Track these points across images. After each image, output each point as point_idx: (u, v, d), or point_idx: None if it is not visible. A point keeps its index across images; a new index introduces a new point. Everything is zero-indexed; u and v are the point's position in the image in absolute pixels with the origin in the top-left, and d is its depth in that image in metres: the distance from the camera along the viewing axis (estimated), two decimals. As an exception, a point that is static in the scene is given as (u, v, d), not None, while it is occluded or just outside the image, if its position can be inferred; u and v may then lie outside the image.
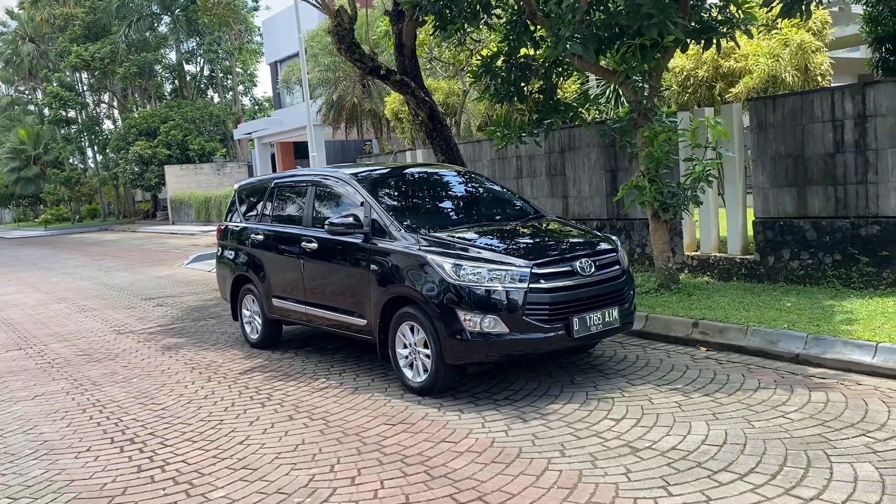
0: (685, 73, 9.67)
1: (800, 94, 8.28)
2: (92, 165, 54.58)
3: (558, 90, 9.75)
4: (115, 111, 53.16)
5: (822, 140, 8.04)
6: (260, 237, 7.92)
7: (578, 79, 11.36)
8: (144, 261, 20.41)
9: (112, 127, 52.67)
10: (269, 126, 34.34)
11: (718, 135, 8.03)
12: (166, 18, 46.45)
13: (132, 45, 44.26)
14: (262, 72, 71.81)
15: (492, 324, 5.52)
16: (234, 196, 8.84)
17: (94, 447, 5.41)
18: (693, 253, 9.61)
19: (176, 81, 50.73)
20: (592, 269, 5.83)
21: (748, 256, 8.95)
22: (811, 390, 5.42)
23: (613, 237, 6.57)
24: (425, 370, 5.93)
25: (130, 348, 8.75)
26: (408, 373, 6.11)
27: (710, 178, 8.01)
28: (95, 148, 52.19)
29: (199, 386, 6.86)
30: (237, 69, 49.49)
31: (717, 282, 9.06)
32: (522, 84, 9.48)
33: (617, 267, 6.09)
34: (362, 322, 6.51)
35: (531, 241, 6.33)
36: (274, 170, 35.70)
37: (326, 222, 6.58)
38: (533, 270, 5.58)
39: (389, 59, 12.97)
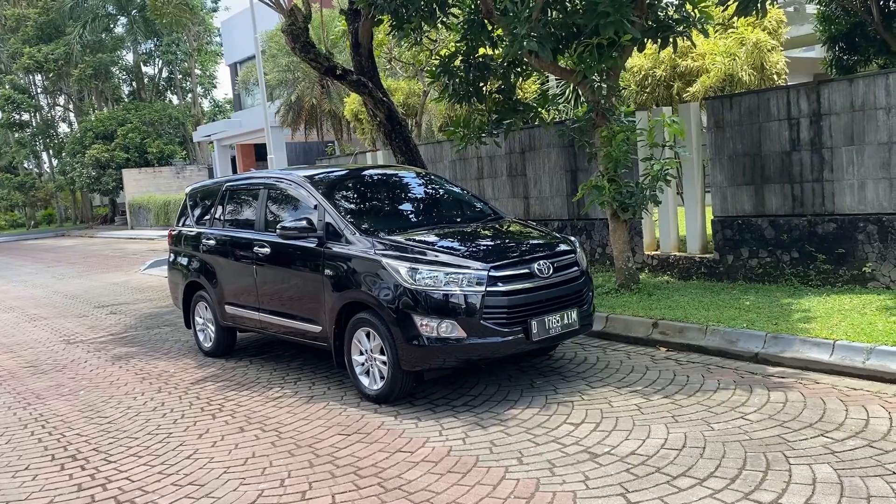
0: (643, 73, 9.65)
1: (756, 92, 8.30)
2: (47, 170, 53.37)
3: (518, 90, 9.66)
4: (71, 114, 52.04)
5: (779, 138, 8.06)
6: (212, 242, 7.69)
7: (538, 79, 11.31)
8: (100, 267, 19.93)
9: (68, 130, 51.54)
10: (228, 128, 33.83)
11: (675, 133, 8.02)
12: (122, 19, 45.54)
13: (87, 46, 43.26)
14: (222, 73, 70.94)
15: (449, 328, 5.39)
16: (186, 200, 8.60)
17: (34, 465, 5.16)
18: (653, 252, 9.60)
19: (133, 83, 49.81)
20: (551, 271, 5.73)
21: (707, 255, 8.95)
22: (770, 390, 5.38)
23: (572, 238, 6.48)
24: (382, 377, 5.77)
25: (79, 359, 8.46)
26: (364, 380, 5.95)
27: (669, 178, 7.98)
28: (51, 152, 51.04)
29: (149, 397, 6.62)
30: (196, 71, 48.76)
31: (678, 281, 9.05)
32: (481, 84, 9.38)
33: (575, 268, 6.00)
34: (317, 329, 6.34)
35: (489, 243, 6.22)
36: (234, 172, 35.19)
37: (278, 226, 6.39)
38: (490, 273, 5.47)
39: (348, 59, 12.79)
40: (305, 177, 6.86)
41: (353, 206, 6.71)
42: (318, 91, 21.78)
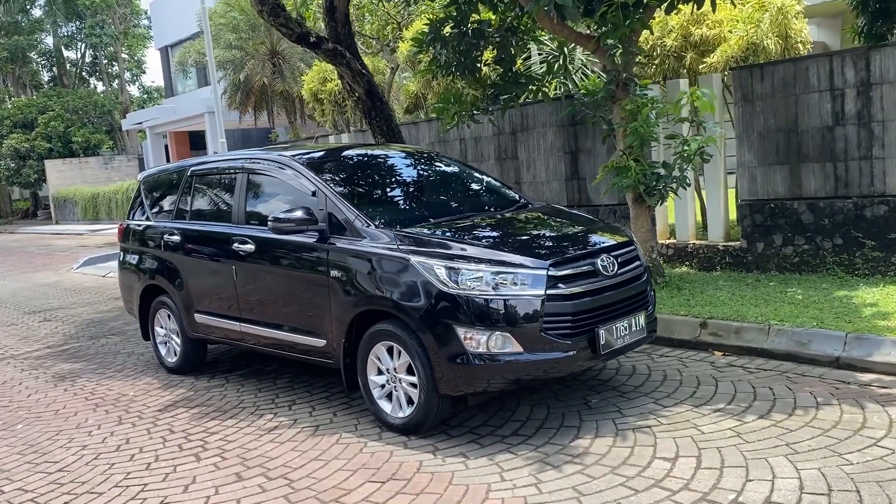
0: (651, 43, 8.74)
1: (792, 61, 7.44)
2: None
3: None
4: (-14, 102, 48.53)
5: (820, 112, 7.22)
6: (176, 238, 6.41)
7: (522, 53, 10.29)
8: (26, 266, 18.06)
9: (-18, 119, 48.04)
10: (161, 115, 31.74)
11: (705, 109, 7.11)
12: (41, 0, 42.58)
13: (2, 28, 40.31)
14: (151, 58, 67.76)
15: (500, 342, 4.32)
16: (140, 189, 7.26)
17: (-36, 541, 3.88)
18: (667, 241, 8.70)
19: (54, 69, 46.72)
20: (616, 268, 4.70)
21: (733, 243, 8.08)
22: (884, 406, 4.49)
23: (623, 227, 5.48)
24: (410, 402, 4.66)
25: (12, 380, 7.06)
26: (385, 406, 4.82)
27: (707, 157, 7.06)
28: (-36, 142, 47.49)
29: (108, 431, 5.35)
30: (123, 55, 46.04)
31: (699, 272, 8.17)
32: (476, 54, 8.29)
33: (638, 263, 5.00)
34: (320, 343, 5.17)
35: (537, 235, 5.14)
36: (168, 161, 33.13)
37: (270, 218, 5.18)
38: (550, 272, 4.40)
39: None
40: (294, 157, 5.66)
41: (361, 192, 5.54)
42: (269, 70, 20.19)
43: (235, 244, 5.72)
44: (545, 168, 9.67)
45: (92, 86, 46.89)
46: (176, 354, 6.68)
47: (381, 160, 6.12)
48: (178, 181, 6.67)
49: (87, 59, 46.76)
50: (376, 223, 4.93)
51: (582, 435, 4.46)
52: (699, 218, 8.94)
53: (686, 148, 6.98)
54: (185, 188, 6.55)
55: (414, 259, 4.53)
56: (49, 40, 45.57)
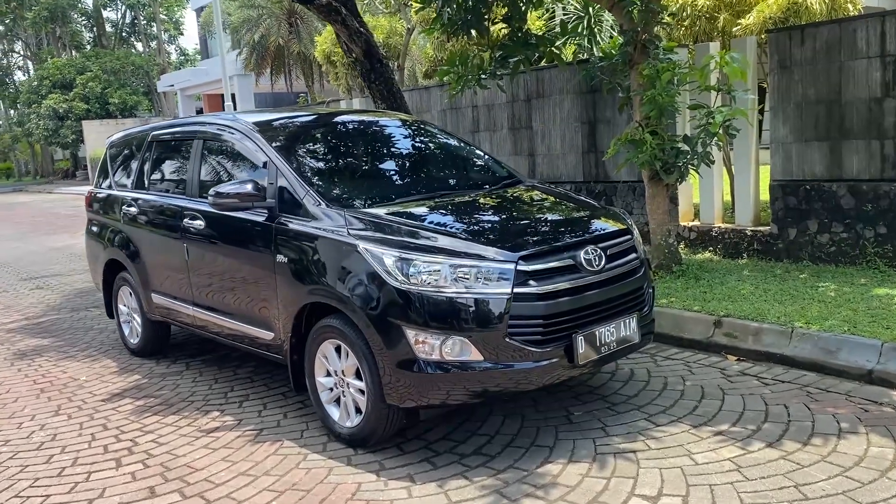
0: (680, 2, 7.86)
1: (837, 22, 6.51)
2: (2, 122, 50.42)
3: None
4: (30, 62, 48.93)
5: (867, 81, 6.31)
6: (133, 210, 5.85)
7: (544, 13, 9.45)
8: (46, 227, 17.93)
9: (24, 78, 48.58)
10: (194, 77, 31.51)
11: (735, 76, 6.23)
12: (81, -42, 42.52)
13: (42, -14, 40.36)
14: (190, 20, 67.66)
15: (457, 348, 3.64)
16: (106, 153, 6.71)
17: None
18: (690, 223, 7.88)
19: (94, 29, 46.79)
20: (602, 262, 3.97)
21: (762, 228, 7.24)
22: (922, 438, 3.71)
23: (621, 211, 4.73)
24: (358, 410, 4.03)
25: (-28, 356, 6.64)
26: (333, 411, 4.20)
27: (734, 131, 6.22)
28: (6, 102, 48.09)
29: (39, 424, 4.84)
30: (161, 16, 45.83)
31: (723, 259, 7.36)
32: (483, 11, 7.49)
33: (633, 256, 4.25)
34: (268, 335, 4.56)
35: (512, 219, 4.42)
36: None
37: (211, 191, 4.55)
38: (519, 266, 3.70)
39: None
40: (255, 123, 5.00)
41: (319, 165, 4.87)
42: (286, 30, 19.45)
43: (186, 219, 5.13)
44: (561, 139, 8.87)
45: (131, 46, 46.88)
46: (138, 335, 6.16)
47: (353, 128, 5.42)
48: (140, 147, 6.09)
49: (127, 20, 46.71)
50: (329, 202, 4.26)
51: (553, 458, 3.78)
52: (728, 198, 8.08)
53: (710, 120, 6.14)
54: (146, 155, 5.96)
55: (362, 245, 3.86)
56: (89, 0, 45.58)
